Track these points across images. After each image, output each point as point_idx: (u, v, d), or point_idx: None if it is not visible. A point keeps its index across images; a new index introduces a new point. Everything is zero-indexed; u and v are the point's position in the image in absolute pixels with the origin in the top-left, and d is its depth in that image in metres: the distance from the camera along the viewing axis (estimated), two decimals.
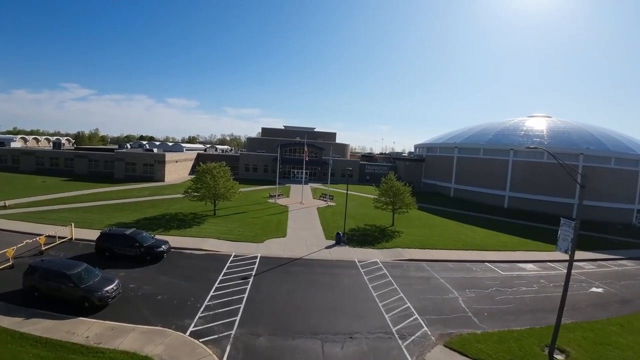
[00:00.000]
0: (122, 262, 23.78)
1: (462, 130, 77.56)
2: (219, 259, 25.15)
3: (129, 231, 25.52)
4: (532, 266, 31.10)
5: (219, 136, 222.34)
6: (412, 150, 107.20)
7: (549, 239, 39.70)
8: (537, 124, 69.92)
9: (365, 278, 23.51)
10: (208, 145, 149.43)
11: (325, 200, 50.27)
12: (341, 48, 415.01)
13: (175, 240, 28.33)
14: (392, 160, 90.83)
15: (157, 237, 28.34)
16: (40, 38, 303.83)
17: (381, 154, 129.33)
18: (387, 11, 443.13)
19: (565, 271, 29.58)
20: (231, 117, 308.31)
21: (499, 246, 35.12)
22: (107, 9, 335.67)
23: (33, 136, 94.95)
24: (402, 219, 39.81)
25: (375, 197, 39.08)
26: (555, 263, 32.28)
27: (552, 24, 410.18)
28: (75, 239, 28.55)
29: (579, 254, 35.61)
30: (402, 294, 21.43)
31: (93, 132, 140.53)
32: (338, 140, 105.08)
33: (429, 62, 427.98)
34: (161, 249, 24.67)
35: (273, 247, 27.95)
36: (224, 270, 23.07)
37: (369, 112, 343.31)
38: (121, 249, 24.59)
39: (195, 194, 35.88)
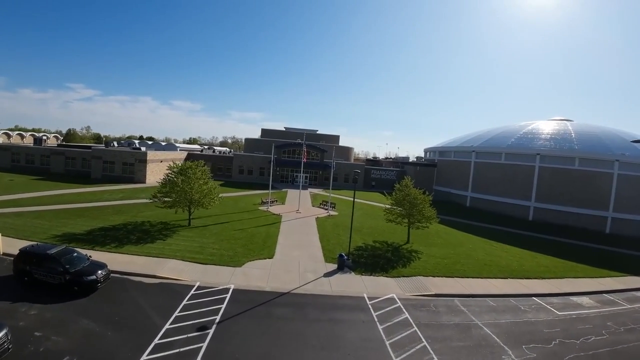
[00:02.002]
0: (41, 293, 17.13)
1: (479, 133, 70.48)
2: (176, 292, 18.11)
3: (54, 250, 18.68)
4: (588, 300, 24.22)
5: (220, 139, 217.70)
6: (419, 155, 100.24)
7: (593, 260, 32.87)
8: (562, 127, 62.87)
9: (380, 328, 16.32)
10: (206, 147, 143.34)
11: (326, 209, 43.20)
12: (344, 51, 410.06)
13: (125, 261, 21.49)
14: (400, 165, 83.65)
15: (102, 256, 21.68)
16: (47, 37, 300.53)
17: (386, 158, 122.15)
18: (388, 15, 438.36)
19: (630, 306, 22.18)
20: (235, 121, 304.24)
21: (541, 272, 28.21)
22: (115, 10, 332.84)
23: (17, 132, 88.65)
24: (418, 235, 32.67)
25: (388, 206, 31.88)
26: (612, 294, 25.75)
27: (554, 25, 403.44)
28: (4, 254, 21.93)
29: (630, 280, 28.74)
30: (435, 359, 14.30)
31: (85, 129, 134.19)
32: (341, 144, 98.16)
33: (432, 66, 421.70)
34: (93, 277, 17.72)
35: (254, 275, 20.83)
36: (176, 313, 16.00)
37: (371, 117, 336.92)
38: (42, 273, 17.82)
39: (167, 199, 28.91)
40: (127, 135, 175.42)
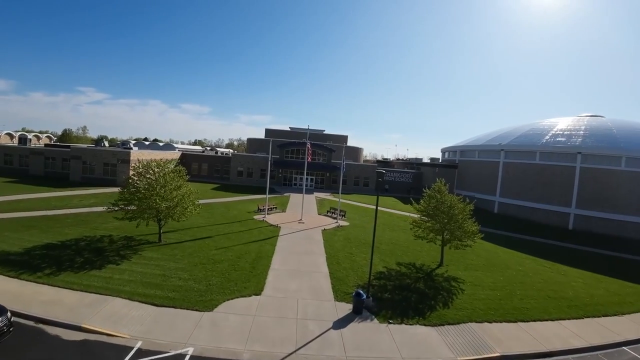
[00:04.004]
0: None
1: (504, 130, 62.97)
2: None
3: None
4: None
5: (226, 141, 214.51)
6: (433, 157, 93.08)
7: None
8: (600, 124, 55.32)
9: None
10: (208, 148, 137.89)
11: (335, 218, 36.26)
12: (350, 53, 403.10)
13: (50, 299, 15.03)
14: (416, 166, 76.36)
15: (24, 287, 15.69)
16: (58, 40, 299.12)
17: (398, 159, 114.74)
18: (393, 16, 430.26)
19: None
20: (242, 124, 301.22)
21: (616, 304, 21.50)
22: (124, 13, 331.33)
23: (6, 132, 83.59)
24: (452, 253, 25.47)
25: (415, 216, 24.76)
26: None
27: (556, 26, 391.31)
28: None
29: None
30: None
31: (81, 129, 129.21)
32: (349, 144, 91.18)
33: (441, 66, 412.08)
34: None
35: (229, 327, 13.86)
36: None
37: (377, 120, 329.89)
38: None
39: (132, 208, 22.18)
40: (134, 138, 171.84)
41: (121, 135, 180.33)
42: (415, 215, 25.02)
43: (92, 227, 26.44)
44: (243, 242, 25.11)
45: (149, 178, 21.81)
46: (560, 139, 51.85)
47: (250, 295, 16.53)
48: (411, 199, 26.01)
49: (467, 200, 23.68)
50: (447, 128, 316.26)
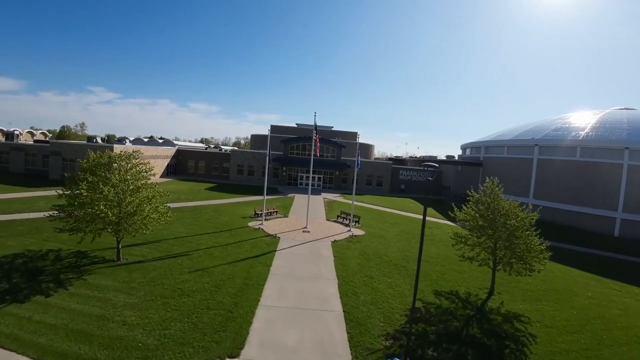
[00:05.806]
0: None
1: (535, 124, 56.21)
2: None
3: None
4: None
5: (233, 139, 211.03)
6: (449, 154, 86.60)
7: None
8: None
9: None
10: (212, 145, 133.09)
11: (347, 225, 30.34)
12: (359, 51, 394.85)
13: None
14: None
15: None
16: (68, 40, 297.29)
17: (411, 157, 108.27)
18: (402, 14, 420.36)
19: None
20: (251, 122, 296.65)
21: None
22: (134, 14, 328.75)
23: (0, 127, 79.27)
24: (501, 276, 19.36)
25: (463, 231, 18.53)
26: None
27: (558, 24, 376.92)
28: None
29: None
30: None
31: (79, 126, 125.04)
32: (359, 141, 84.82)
33: (449, 64, 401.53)
34: None
35: None
36: None
37: (385, 118, 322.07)
38: None
39: (76, 213, 16.45)
40: (142, 137, 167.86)
41: (131, 135, 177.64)
42: (447, 223, 19.05)
43: (43, 238, 21.02)
44: (228, 260, 19.21)
45: (100, 175, 16.21)
46: (602, 133, 45.23)
47: (222, 359, 10.73)
48: (453, 205, 19.91)
49: (530, 208, 17.64)
50: (456, 127, 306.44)
